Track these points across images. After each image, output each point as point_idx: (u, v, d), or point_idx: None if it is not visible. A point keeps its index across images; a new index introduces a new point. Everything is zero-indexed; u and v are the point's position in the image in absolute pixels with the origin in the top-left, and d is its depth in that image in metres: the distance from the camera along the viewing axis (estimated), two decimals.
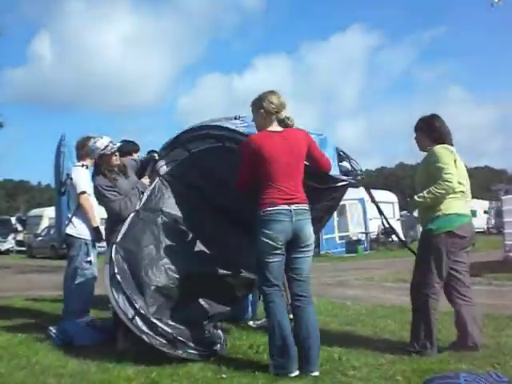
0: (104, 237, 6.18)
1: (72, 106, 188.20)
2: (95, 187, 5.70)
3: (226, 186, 5.08)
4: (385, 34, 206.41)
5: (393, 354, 4.86)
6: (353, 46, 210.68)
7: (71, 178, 6.12)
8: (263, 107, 4.45)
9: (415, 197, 4.94)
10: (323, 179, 4.80)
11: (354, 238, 25.05)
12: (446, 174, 4.79)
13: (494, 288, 10.48)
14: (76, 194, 6.15)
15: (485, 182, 68.04)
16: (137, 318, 4.67)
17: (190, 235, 5.38)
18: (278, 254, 4.29)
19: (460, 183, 4.94)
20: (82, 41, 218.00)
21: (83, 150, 6.24)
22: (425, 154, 5.20)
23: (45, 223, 32.86)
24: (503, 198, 16.00)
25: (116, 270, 4.86)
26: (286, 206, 4.25)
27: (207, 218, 5.42)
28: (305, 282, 4.41)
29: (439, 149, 4.97)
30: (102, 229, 6.29)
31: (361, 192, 26.84)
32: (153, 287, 4.83)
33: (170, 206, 5.45)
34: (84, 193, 6.14)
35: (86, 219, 6.22)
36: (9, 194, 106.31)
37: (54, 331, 5.68)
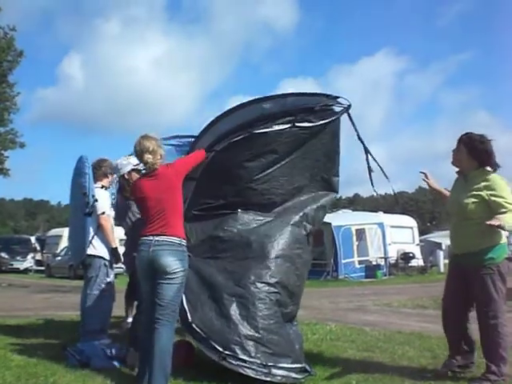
0: (122, 259, 6.27)
1: (96, 128, 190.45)
2: (127, 209, 5.68)
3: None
4: (412, 59, 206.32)
5: (412, 381, 4.81)
6: (380, 70, 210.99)
7: (97, 200, 6.11)
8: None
9: (507, 225, 4.70)
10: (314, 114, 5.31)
11: (374, 263, 24.87)
12: None
13: None
14: (96, 215, 6.18)
15: None
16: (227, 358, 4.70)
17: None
18: (146, 279, 4.65)
19: None
20: (112, 63, 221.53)
21: (101, 170, 6.36)
22: (455, 169, 5.24)
23: (64, 243, 32.79)
24: None
25: (191, 319, 4.87)
26: (150, 237, 4.60)
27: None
28: (164, 307, 4.52)
29: (502, 182, 4.93)
30: (120, 250, 6.33)
31: (380, 217, 26.96)
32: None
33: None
34: (104, 213, 6.19)
35: (106, 240, 6.25)
36: (29, 213, 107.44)
37: (71, 352, 5.69)
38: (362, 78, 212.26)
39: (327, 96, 5.43)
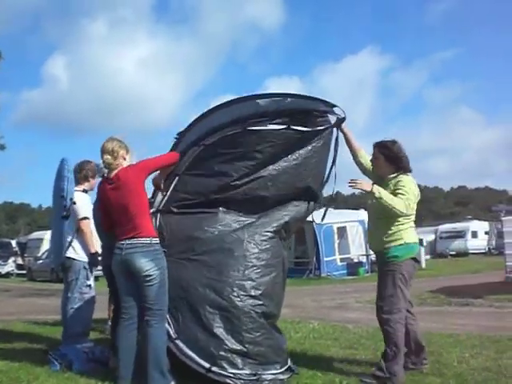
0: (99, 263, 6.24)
1: (83, 129, 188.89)
2: None
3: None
4: (396, 57, 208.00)
5: None
6: (365, 68, 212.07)
7: (74, 203, 6.05)
8: None
9: (377, 193, 4.88)
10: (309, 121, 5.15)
11: (355, 260, 24.94)
12: (409, 203, 4.94)
13: (495, 310, 10.47)
14: (76, 219, 6.14)
15: (485, 203, 68.08)
16: (213, 368, 4.63)
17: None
18: (121, 280, 4.76)
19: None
20: (99, 64, 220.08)
21: (81, 173, 6.29)
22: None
23: (45, 246, 32.43)
24: (504, 219, 16.01)
25: (175, 335, 4.76)
26: (122, 241, 4.69)
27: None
28: (149, 308, 4.63)
29: (410, 182, 5.09)
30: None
31: (361, 214, 27.02)
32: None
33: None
34: (86, 218, 6.13)
35: (86, 244, 6.20)
36: (9, 216, 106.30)
37: (53, 356, 5.65)
38: (347, 75, 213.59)
39: (325, 102, 5.27)
